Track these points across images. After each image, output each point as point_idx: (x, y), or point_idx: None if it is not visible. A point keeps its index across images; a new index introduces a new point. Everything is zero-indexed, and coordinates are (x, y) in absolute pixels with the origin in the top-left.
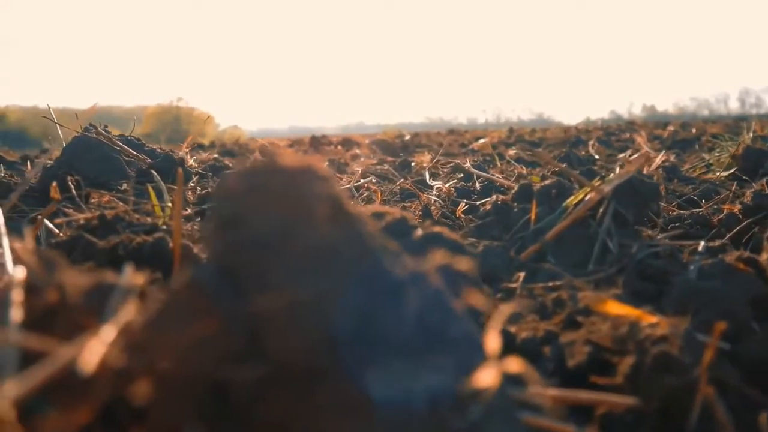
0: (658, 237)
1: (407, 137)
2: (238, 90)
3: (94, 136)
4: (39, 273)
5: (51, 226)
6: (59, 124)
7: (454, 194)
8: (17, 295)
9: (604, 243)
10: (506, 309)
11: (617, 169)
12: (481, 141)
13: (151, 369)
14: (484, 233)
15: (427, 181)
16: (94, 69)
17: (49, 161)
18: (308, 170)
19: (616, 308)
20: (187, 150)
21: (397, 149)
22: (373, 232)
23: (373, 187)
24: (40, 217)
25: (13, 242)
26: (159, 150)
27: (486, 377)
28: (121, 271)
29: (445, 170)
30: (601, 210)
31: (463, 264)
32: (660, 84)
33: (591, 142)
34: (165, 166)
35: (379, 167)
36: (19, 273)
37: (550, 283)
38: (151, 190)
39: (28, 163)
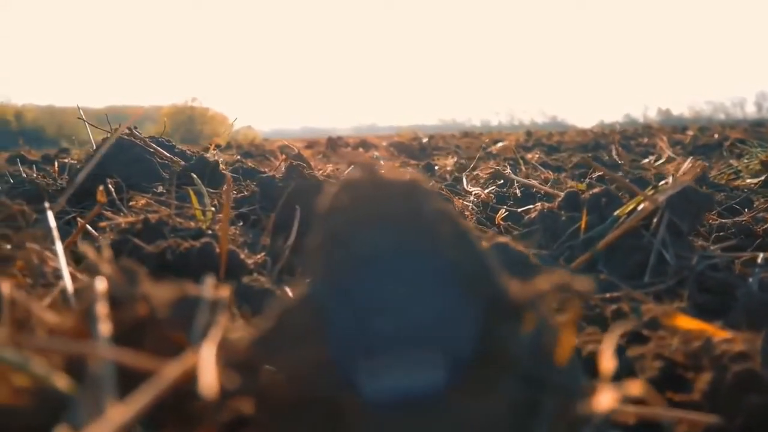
0: (712, 248)
1: (425, 140)
2: (250, 90)
3: (125, 137)
4: (121, 285)
5: (91, 230)
6: (90, 125)
7: (494, 200)
8: (103, 308)
9: (659, 254)
10: (618, 329)
11: (651, 176)
12: (500, 144)
13: (260, 390)
14: (530, 241)
15: (465, 186)
16: (109, 69)
17: (72, 161)
18: (416, 185)
19: (686, 322)
20: (214, 152)
21: (415, 151)
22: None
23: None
24: (81, 220)
25: (89, 251)
26: (189, 152)
27: (604, 400)
28: (171, 276)
29: (466, 173)
30: (654, 220)
31: (582, 285)
32: (675, 87)
33: (614, 147)
34: (199, 168)
35: (401, 170)
36: (100, 284)
37: (608, 294)
38: (191, 193)
39: (56, 163)
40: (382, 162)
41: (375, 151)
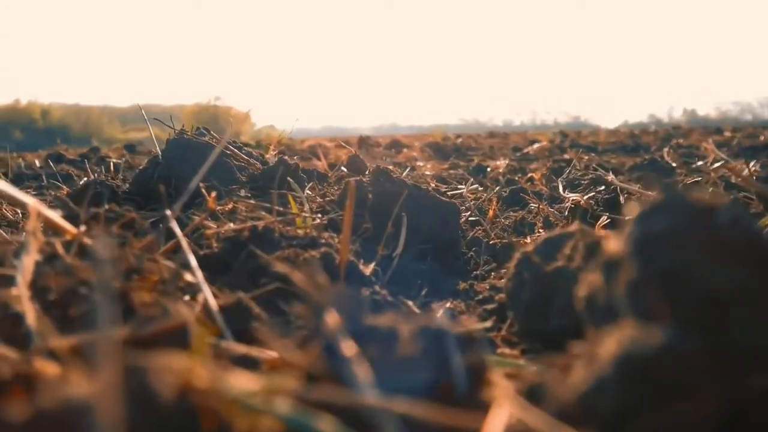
0: None
1: (459, 140)
2: (271, 89)
3: (191, 137)
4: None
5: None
6: (165, 125)
7: (594, 207)
8: (350, 348)
9: None
10: None
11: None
12: (537, 145)
13: None
14: None
15: (561, 191)
16: (133, 67)
17: (116, 159)
18: (741, 214)
19: None
20: (275, 152)
21: (450, 152)
22: None
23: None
24: (178, 230)
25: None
26: (255, 153)
27: None
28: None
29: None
30: None
31: None
32: (700, 87)
33: (666, 149)
34: (279, 171)
35: (452, 171)
36: (331, 318)
37: None
38: (291, 198)
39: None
40: (419, 163)
41: (408, 151)
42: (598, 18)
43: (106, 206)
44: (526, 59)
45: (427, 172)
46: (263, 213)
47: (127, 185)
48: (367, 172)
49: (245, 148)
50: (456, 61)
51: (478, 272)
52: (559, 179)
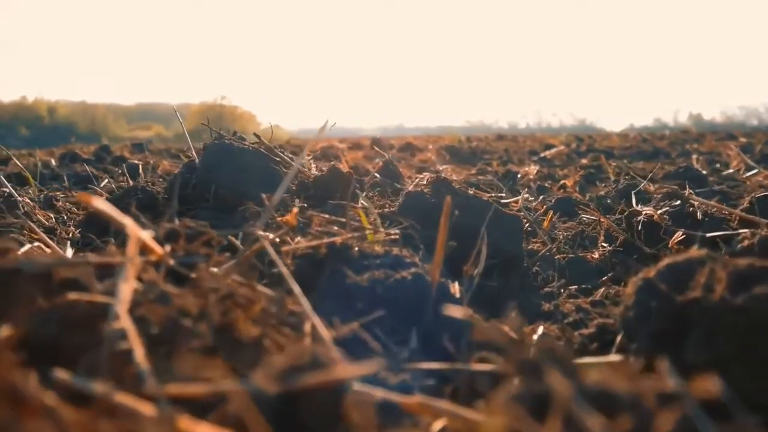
0: None
1: (474, 143)
2: (276, 89)
3: (232, 141)
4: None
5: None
6: (204, 127)
7: (668, 222)
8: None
9: None
10: None
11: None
12: (554, 150)
13: None
14: None
15: (634, 204)
16: (138, 66)
17: (133, 161)
18: None
19: None
20: (309, 156)
21: (466, 155)
22: None
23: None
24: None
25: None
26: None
27: None
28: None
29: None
30: None
31: None
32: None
33: (694, 157)
34: (332, 179)
35: (481, 177)
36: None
37: None
38: (361, 212)
39: (140, 167)
40: (441, 167)
41: (424, 154)
42: (606, 21)
43: (180, 221)
44: (531, 62)
45: (455, 177)
46: (336, 228)
47: (162, 190)
48: (410, 179)
49: (287, 153)
50: (461, 62)
51: (548, 290)
52: (633, 193)
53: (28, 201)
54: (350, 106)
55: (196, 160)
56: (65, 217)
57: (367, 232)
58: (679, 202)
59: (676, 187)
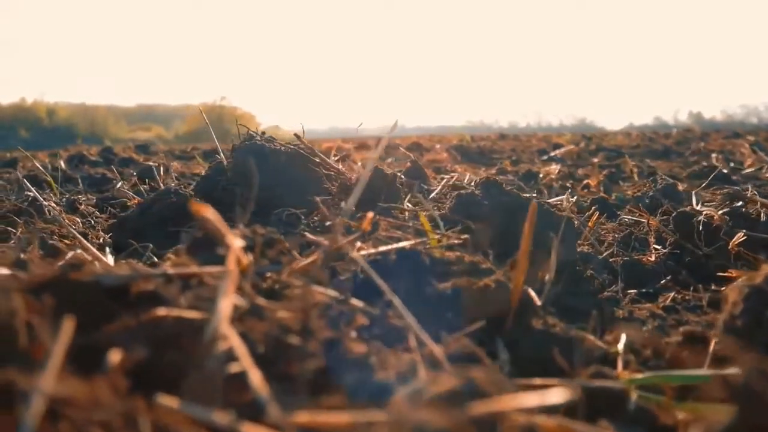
0: None
1: (480, 143)
2: (276, 90)
3: (263, 142)
4: None
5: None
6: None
7: (729, 223)
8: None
9: None
10: None
11: None
12: (564, 149)
13: None
14: None
15: (695, 205)
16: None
17: (149, 163)
18: None
19: None
20: (337, 158)
21: (475, 155)
22: None
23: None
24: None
25: None
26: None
27: None
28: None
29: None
30: None
31: None
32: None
33: (714, 155)
34: (377, 182)
35: (501, 177)
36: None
37: None
38: (423, 217)
39: (159, 170)
40: (457, 167)
41: (437, 155)
42: (605, 20)
43: (261, 229)
44: (530, 61)
45: (475, 178)
46: (399, 232)
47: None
48: (436, 178)
49: (319, 156)
50: (460, 62)
51: (607, 294)
52: (694, 192)
53: (54, 205)
54: (349, 106)
55: (224, 162)
56: (92, 222)
57: (431, 236)
58: (739, 202)
59: (732, 189)
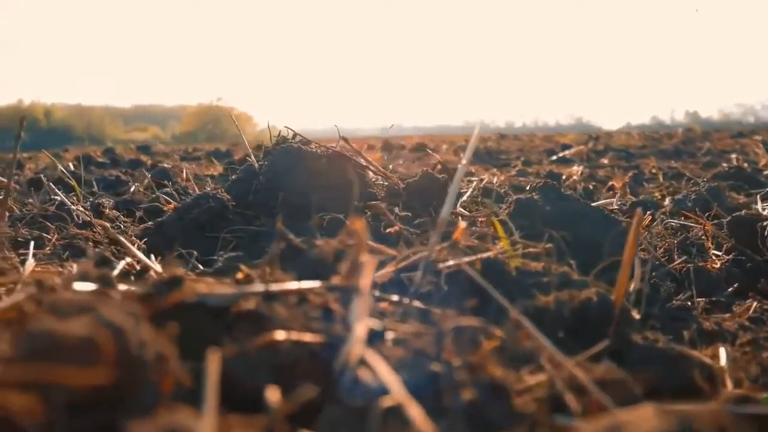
0: None
1: (489, 143)
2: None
3: (298, 144)
4: None
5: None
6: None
7: None
8: None
9: None
10: None
11: None
12: (573, 149)
13: None
14: None
15: (759, 209)
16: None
17: (162, 164)
18: None
19: None
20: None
21: (483, 156)
22: None
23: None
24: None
25: None
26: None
27: None
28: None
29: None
30: None
31: None
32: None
33: (733, 156)
34: (427, 186)
35: (522, 179)
36: None
37: None
38: (496, 223)
39: (185, 172)
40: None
41: (443, 156)
42: (602, 20)
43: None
44: (528, 60)
45: (495, 180)
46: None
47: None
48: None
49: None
50: (457, 62)
51: (677, 303)
52: (759, 196)
53: (82, 209)
54: (347, 106)
55: (255, 165)
56: (122, 227)
57: (509, 247)
58: None
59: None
